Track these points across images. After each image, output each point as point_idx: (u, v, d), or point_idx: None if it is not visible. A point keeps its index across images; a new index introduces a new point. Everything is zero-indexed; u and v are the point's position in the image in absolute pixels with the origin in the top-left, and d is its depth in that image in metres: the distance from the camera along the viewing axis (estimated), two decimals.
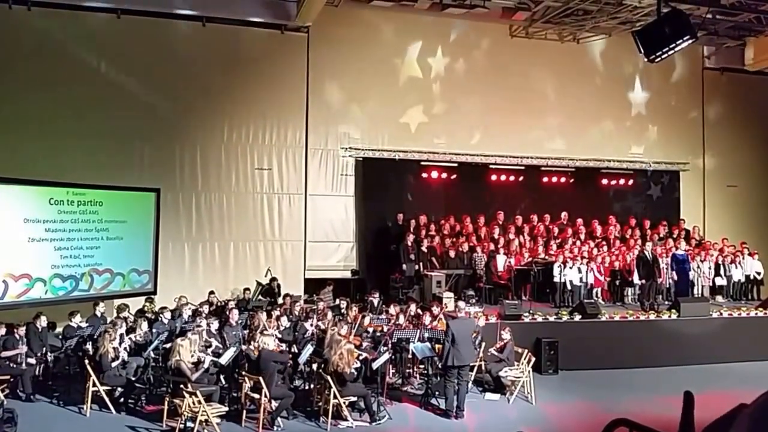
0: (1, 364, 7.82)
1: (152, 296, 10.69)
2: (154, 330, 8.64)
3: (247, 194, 12.74)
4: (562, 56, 14.25)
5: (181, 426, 6.79)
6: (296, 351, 8.24)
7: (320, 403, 7.54)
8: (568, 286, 11.50)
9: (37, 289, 9.56)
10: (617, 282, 12.27)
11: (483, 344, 8.93)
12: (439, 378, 8.19)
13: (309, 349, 7.92)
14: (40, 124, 11.23)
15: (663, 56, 9.63)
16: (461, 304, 9.58)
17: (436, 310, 9.19)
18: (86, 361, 7.58)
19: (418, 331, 8.67)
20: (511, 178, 13.86)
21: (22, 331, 8.12)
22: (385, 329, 8.96)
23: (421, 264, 11.78)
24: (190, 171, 12.37)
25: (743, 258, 12.88)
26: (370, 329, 8.97)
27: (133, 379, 7.79)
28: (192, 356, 7.20)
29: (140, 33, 11.96)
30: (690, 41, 9.27)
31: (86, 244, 10.20)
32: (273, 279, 11.73)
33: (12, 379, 7.83)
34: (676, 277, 12.03)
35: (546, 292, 11.75)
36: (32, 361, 8.13)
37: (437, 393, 8.09)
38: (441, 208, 13.46)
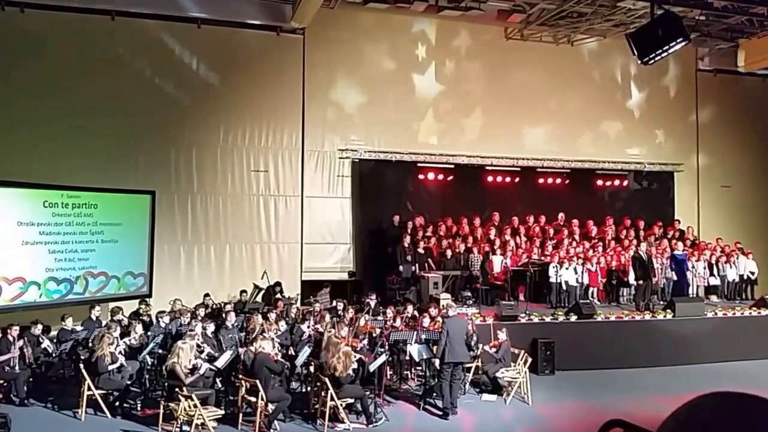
0: None
1: (147, 299, 10.63)
2: (149, 333, 8.60)
3: (243, 196, 12.71)
4: (557, 58, 14.30)
5: (177, 430, 6.77)
6: (293, 353, 8.22)
7: (317, 406, 7.53)
8: (564, 287, 11.54)
9: (32, 292, 9.52)
10: (613, 282, 12.31)
11: (480, 345, 8.93)
12: (436, 379, 8.20)
13: (306, 352, 7.91)
14: (34, 127, 11.17)
15: (656, 58, 9.71)
16: (452, 304, 9.42)
17: (433, 311, 9.17)
18: (81, 365, 7.53)
19: (415, 332, 8.68)
20: (507, 179, 13.90)
21: (15, 333, 8.05)
22: (382, 331, 8.94)
23: (417, 265, 11.78)
24: (186, 173, 12.33)
25: (737, 258, 12.96)
26: (368, 331, 8.96)
27: (129, 382, 7.75)
28: (190, 361, 7.16)
29: (134, 35, 11.93)
30: (683, 43, 9.34)
31: (81, 247, 10.16)
32: (277, 284, 11.60)
33: (5, 384, 7.75)
34: (675, 278, 12.08)
35: (542, 292, 11.78)
36: (26, 365, 8.06)
37: (434, 394, 8.10)
38: (437, 209, 13.48)
